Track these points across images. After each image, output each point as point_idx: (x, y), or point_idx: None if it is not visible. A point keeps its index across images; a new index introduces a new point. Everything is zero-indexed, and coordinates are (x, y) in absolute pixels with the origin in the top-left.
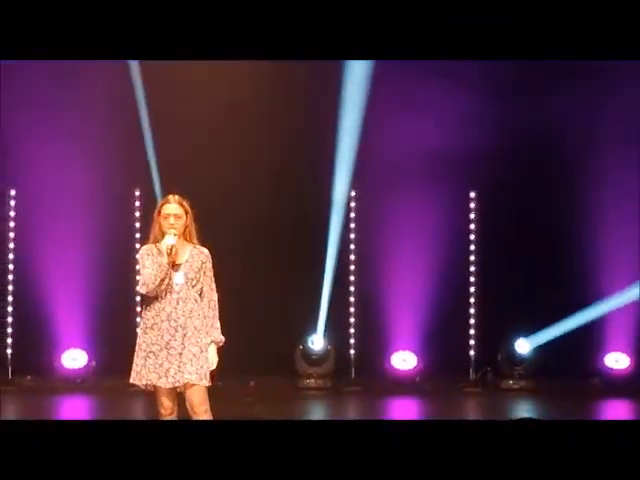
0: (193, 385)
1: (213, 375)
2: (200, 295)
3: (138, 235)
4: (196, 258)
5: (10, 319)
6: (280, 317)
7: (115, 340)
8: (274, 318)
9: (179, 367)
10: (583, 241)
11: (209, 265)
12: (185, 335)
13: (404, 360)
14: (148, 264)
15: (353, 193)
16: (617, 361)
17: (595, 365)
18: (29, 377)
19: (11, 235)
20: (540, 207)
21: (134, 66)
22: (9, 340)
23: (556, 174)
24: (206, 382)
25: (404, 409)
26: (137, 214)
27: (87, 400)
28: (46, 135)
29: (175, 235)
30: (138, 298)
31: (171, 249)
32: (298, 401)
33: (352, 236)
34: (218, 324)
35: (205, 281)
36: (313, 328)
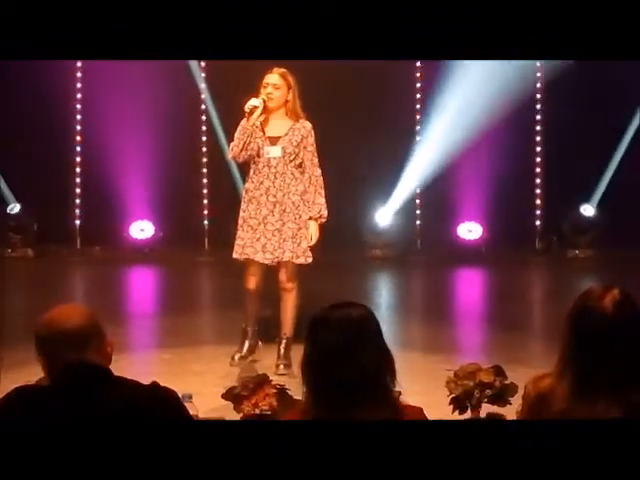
0: (287, 261)
1: (313, 250)
2: (300, 170)
3: (204, 107)
4: (296, 132)
5: (78, 190)
6: (349, 188)
7: (182, 211)
8: (343, 188)
9: (279, 244)
10: None
11: (310, 140)
12: (284, 211)
13: (470, 230)
14: (237, 134)
15: (418, 64)
16: None
17: None
18: (97, 248)
19: (78, 107)
20: (609, 75)
21: None
22: (77, 211)
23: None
24: (304, 259)
25: (469, 279)
26: (203, 85)
27: (155, 270)
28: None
29: (262, 99)
30: (205, 170)
31: (252, 109)
32: (365, 271)
33: (417, 106)
34: (321, 200)
35: (306, 156)
36: (383, 200)
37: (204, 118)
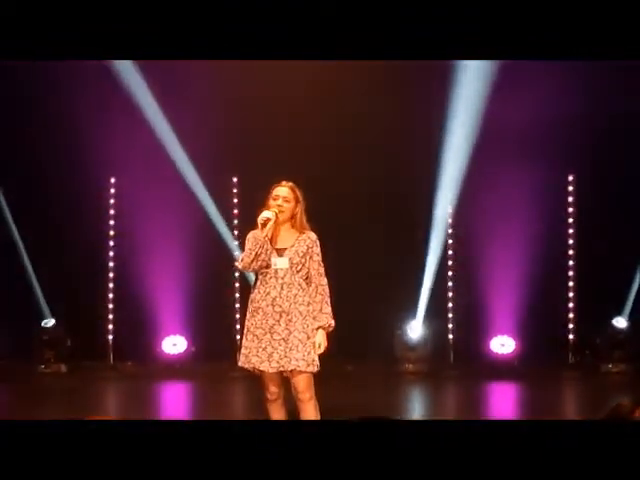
0: (299, 372)
1: (321, 358)
2: (307, 280)
3: (236, 221)
4: (302, 243)
5: (111, 306)
6: (379, 303)
7: (214, 326)
8: (373, 303)
9: (285, 353)
10: None
11: (316, 250)
12: (290, 321)
13: (503, 344)
14: (249, 245)
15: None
16: None
17: None
18: (130, 363)
19: (111, 223)
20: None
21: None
22: (110, 326)
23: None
24: (313, 368)
25: (502, 394)
26: (235, 200)
27: (187, 385)
28: (141, 124)
29: (274, 212)
30: (237, 285)
31: (266, 221)
32: (397, 386)
33: (449, 221)
34: (327, 309)
35: (312, 265)
36: (412, 313)
37: (236, 232)
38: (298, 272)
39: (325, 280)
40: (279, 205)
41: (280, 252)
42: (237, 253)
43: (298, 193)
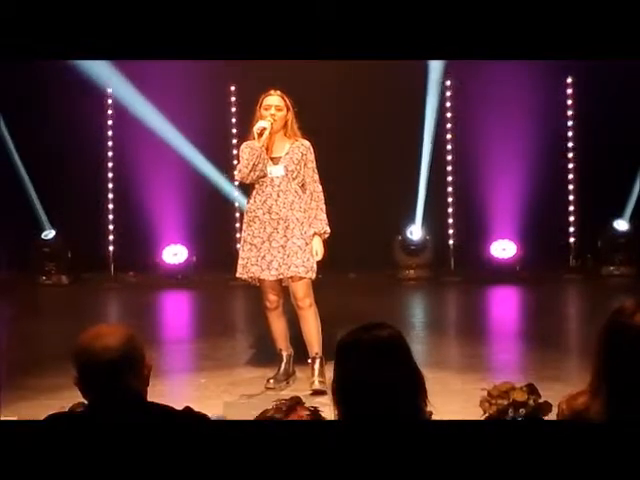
0: (298, 278)
1: (319, 265)
2: (302, 187)
3: (234, 130)
4: (296, 150)
5: (111, 217)
6: (378, 208)
7: (215, 235)
8: (372, 209)
9: (284, 260)
10: None
11: (310, 157)
12: (287, 227)
13: (504, 249)
14: (245, 156)
15: (448, 83)
16: None
17: None
18: (131, 273)
19: (110, 133)
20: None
21: None
22: (111, 237)
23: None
24: (312, 274)
25: (503, 298)
26: (233, 110)
27: (189, 295)
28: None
29: (270, 122)
30: (236, 193)
31: (262, 131)
32: (398, 292)
33: (448, 125)
34: (322, 215)
35: (307, 173)
36: (411, 218)
37: (235, 142)
38: (294, 179)
39: (320, 187)
40: (272, 114)
41: (275, 160)
42: (235, 162)
43: (288, 100)
